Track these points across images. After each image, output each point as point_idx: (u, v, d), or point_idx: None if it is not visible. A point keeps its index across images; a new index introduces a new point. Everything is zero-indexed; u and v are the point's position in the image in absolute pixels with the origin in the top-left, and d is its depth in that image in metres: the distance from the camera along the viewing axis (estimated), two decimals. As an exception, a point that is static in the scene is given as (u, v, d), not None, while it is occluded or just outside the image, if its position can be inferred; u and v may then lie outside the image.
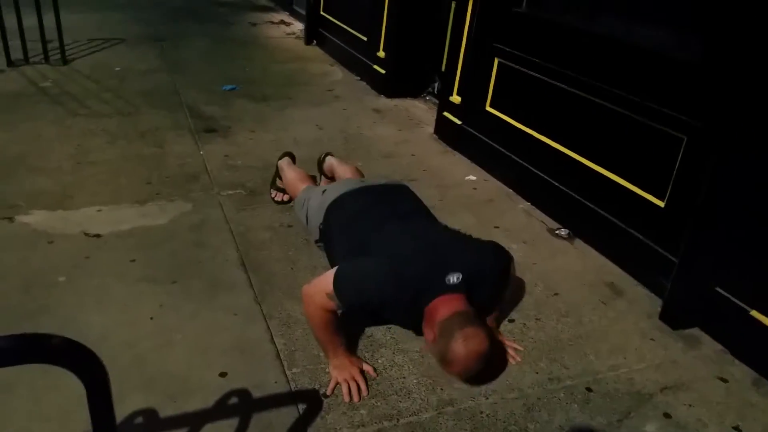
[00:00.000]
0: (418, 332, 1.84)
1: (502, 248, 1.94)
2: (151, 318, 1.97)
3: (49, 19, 4.51)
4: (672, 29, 2.38)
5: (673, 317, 2.14)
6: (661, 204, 2.29)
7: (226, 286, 2.17)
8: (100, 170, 2.98)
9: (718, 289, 2.04)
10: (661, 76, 2.25)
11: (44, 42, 4.59)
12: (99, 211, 2.61)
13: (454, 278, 1.68)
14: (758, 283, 1.92)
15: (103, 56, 5.01)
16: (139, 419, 1.57)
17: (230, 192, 2.87)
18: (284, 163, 2.77)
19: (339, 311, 1.73)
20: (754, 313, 1.93)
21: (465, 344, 1.54)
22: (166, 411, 1.61)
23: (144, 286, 2.13)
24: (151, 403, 1.62)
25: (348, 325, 1.95)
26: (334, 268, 1.74)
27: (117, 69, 4.67)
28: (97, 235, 2.42)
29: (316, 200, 2.27)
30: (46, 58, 4.64)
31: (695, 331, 2.12)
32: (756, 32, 1.82)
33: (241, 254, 2.37)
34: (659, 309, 2.19)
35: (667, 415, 1.75)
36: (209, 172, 3.07)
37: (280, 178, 2.77)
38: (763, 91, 1.81)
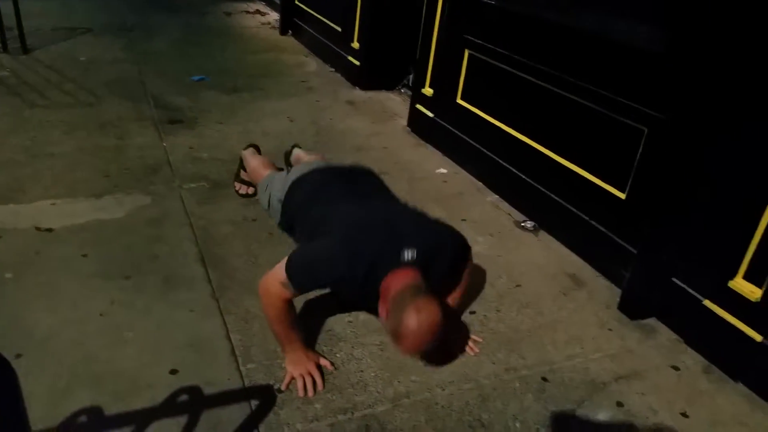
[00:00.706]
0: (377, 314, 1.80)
1: (461, 235, 1.91)
2: (101, 315, 1.93)
3: (8, 6, 4.38)
4: (636, 21, 2.38)
5: (632, 307, 2.16)
6: (622, 196, 2.30)
7: (183, 281, 2.13)
8: (56, 163, 2.91)
9: (675, 280, 2.06)
10: (625, 67, 2.25)
11: (2, 29, 4.44)
12: (53, 204, 2.54)
13: (408, 253, 1.64)
14: (711, 274, 1.94)
15: (68, 46, 4.89)
16: (83, 418, 1.53)
17: (192, 185, 2.82)
18: (248, 153, 2.73)
19: (294, 297, 1.69)
20: (707, 302, 1.95)
21: (417, 316, 1.48)
22: (112, 409, 1.58)
23: (95, 282, 2.08)
24: (97, 401, 1.59)
25: (306, 319, 1.93)
26: (286, 257, 1.71)
27: (81, 59, 4.56)
28: (49, 230, 2.36)
29: (279, 181, 2.22)
30: (5, 47, 4.50)
31: (652, 321, 2.14)
32: (718, 24, 1.82)
33: (200, 249, 2.33)
34: (618, 299, 2.21)
35: (619, 404, 1.76)
36: (171, 164, 3.01)
37: (245, 170, 2.73)
38: (725, 84, 1.82)
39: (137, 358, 1.77)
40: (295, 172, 2.18)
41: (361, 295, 1.77)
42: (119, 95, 3.89)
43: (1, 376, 0.76)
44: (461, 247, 1.89)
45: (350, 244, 1.67)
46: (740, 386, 1.87)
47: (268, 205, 2.27)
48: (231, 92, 4.15)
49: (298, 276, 1.65)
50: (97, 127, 3.38)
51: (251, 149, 2.78)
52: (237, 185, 2.78)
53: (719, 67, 1.82)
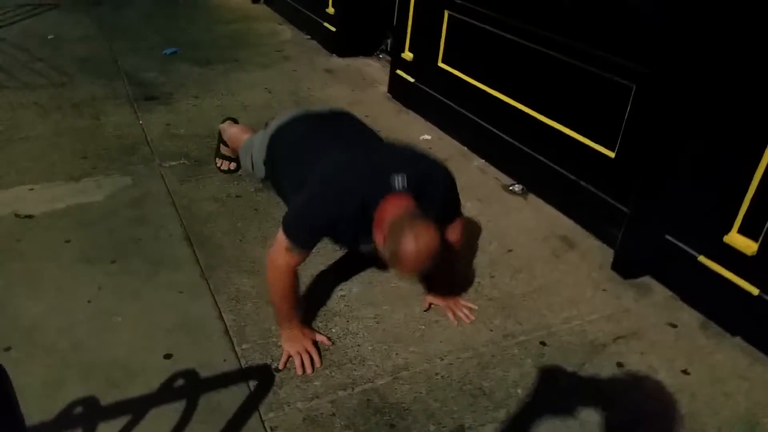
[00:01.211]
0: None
1: (447, 168, 1.82)
2: (89, 301, 1.88)
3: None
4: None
5: (625, 267, 2.16)
6: (612, 155, 2.27)
7: (170, 263, 2.08)
8: (32, 146, 2.81)
9: (668, 237, 2.05)
10: (610, 22, 2.20)
11: (-38, 8, 4.27)
12: (31, 190, 2.46)
13: (399, 180, 1.59)
14: (705, 230, 1.93)
15: (34, 23, 4.70)
16: (79, 409, 1.50)
17: (173, 163, 2.74)
18: (225, 125, 2.63)
19: (303, 259, 1.65)
20: (702, 258, 1.95)
21: (416, 241, 1.45)
22: (107, 398, 1.54)
23: (81, 267, 2.02)
24: (91, 390, 1.55)
25: (301, 296, 1.90)
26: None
27: (50, 37, 4.39)
28: (29, 216, 2.28)
29: (260, 138, 2.12)
30: (-33, 27, 4.33)
31: (646, 279, 2.15)
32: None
33: (185, 229, 2.27)
34: (611, 259, 2.20)
35: (620, 365, 1.77)
36: (149, 142, 2.92)
37: (225, 145, 2.65)
38: (712, 32, 1.78)
39: (129, 343, 1.73)
40: (274, 124, 2.07)
41: (357, 231, 1.70)
42: (91, 73, 3.75)
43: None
44: (450, 181, 1.79)
45: (336, 183, 1.63)
46: (738, 341, 1.89)
47: (252, 167, 2.18)
48: (205, 65, 4.02)
49: (295, 231, 1.61)
50: (71, 108, 3.26)
51: (228, 122, 2.69)
52: (218, 161, 2.70)
53: (705, 20, 1.78)
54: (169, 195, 2.48)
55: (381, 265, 2.08)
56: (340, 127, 2.01)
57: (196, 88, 3.62)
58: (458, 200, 1.87)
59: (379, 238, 1.57)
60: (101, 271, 2.01)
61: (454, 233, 1.87)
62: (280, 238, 1.63)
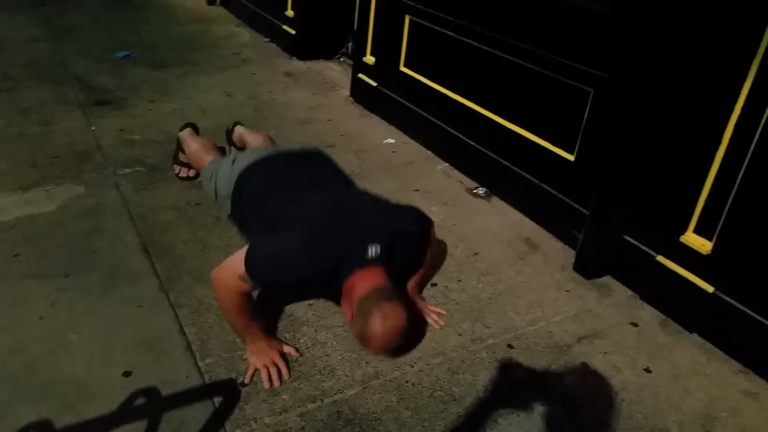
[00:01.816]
0: (339, 303, 1.77)
1: (422, 213, 1.89)
2: (41, 318, 1.79)
3: None
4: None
5: (586, 267, 2.20)
6: (571, 158, 2.31)
7: (128, 275, 2.00)
8: (-25, 155, 2.67)
9: (627, 238, 2.10)
10: (569, 28, 2.24)
11: None
12: (-25, 201, 2.34)
13: (372, 250, 1.61)
14: (663, 230, 1.98)
15: (-25, 25, 4.48)
16: (32, 433, 1.42)
17: (128, 170, 2.65)
18: (186, 134, 2.57)
19: (253, 291, 1.63)
20: (660, 258, 2.00)
21: (383, 322, 1.48)
22: (63, 420, 1.47)
23: (31, 283, 1.93)
24: (45, 413, 1.48)
25: (266, 306, 1.86)
26: (244, 249, 1.63)
27: (-8, 39, 4.19)
28: (-26, 230, 2.17)
29: (225, 170, 2.11)
30: None
31: (607, 279, 2.19)
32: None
33: (142, 239, 2.19)
34: (573, 260, 2.24)
35: (584, 365, 1.80)
36: (102, 149, 2.81)
37: (183, 152, 2.58)
38: (669, 41, 1.82)
39: (85, 362, 1.65)
40: (241, 163, 2.06)
41: (323, 292, 1.74)
42: (39, 77, 3.60)
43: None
44: (423, 230, 1.86)
45: (314, 239, 1.62)
46: (696, 337, 1.94)
47: (216, 196, 2.16)
48: (160, 68, 3.91)
49: (260, 271, 1.58)
50: (18, 114, 3.12)
51: (189, 129, 2.62)
52: (176, 168, 2.63)
53: (661, 25, 1.83)
54: (124, 204, 2.40)
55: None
56: (310, 169, 2.00)
57: (152, 92, 3.51)
58: (430, 242, 1.93)
59: (347, 312, 1.60)
60: (53, 286, 1.92)
61: (425, 262, 1.97)
62: (236, 264, 1.59)
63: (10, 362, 1.62)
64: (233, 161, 2.12)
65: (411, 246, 1.79)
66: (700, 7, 1.73)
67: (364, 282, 1.56)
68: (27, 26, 4.54)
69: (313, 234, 1.64)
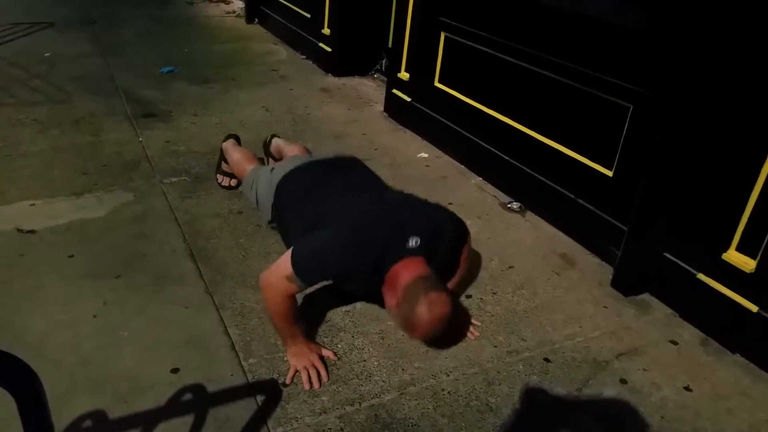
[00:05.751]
0: (381, 302, 1.79)
1: (459, 218, 1.93)
2: (95, 316, 1.87)
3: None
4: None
5: (624, 284, 2.19)
6: (609, 173, 2.32)
7: (174, 278, 2.07)
8: (32, 162, 2.80)
9: (667, 255, 2.09)
10: (608, 45, 2.26)
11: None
12: (32, 205, 2.45)
13: (413, 242, 1.65)
14: (704, 247, 1.97)
15: (30, 41, 4.69)
16: (88, 422, 1.48)
17: (174, 179, 2.75)
18: (229, 145, 2.67)
19: (300, 291, 1.69)
20: (701, 276, 1.98)
21: (429, 309, 1.52)
22: (115, 412, 1.53)
23: (85, 282, 2.01)
24: (99, 404, 1.54)
25: (305, 312, 1.90)
26: (289, 250, 1.69)
27: (46, 54, 4.39)
28: (32, 231, 2.27)
29: (264, 179, 2.19)
30: (-37, 44, 4.32)
31: (646, 297, 2.18)
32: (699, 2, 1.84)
33: (188, 244, 2.27)
34: (610, 277, 2.24)
35: (623, 381, 1.79)
36: (150, 159, 2.92)
37: (226, 162, 2.67)
38: (709, 57, 1.84)
39: (136, 358, 1.72)
40: (281, 170, 2.14)
41: (367, 285, 1.77)
42: (89, 91, 3.75)
43: (31, 388, 0.72)
44: (461, 231, 1.90)
45: (356, 234, 1.67)
46: (738, 358, 1.91)
47: (257, 203, 2.24)
48: (202, 83, 4.05)
49: (307, 268, 1.63)
50: (71, 124, 3.26)
51: (231, 140, 2.72)
52: (219, 177, 2.72)
53: (702, 43, 1.84)
54: (171, 211, 2.48)
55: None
56: (347, 175, 2.07)
57: (195, 106, 3.64)
58: (467, 248, 1.96)
59: (391, 300, 1.63)
60: (106, 286, 2.01)
61: (461, 269, 1.99)
62: (284, 266, 1.64)
63: (67, 356, 1.70)
64: (272, 169, 2.20)
65: (448, 245, 1.82)
66: (738, 25, 1.75)
67: (408, 271, 1.60)
68: (78, 43, 4.75)
69: (354, 228, 1.68)
